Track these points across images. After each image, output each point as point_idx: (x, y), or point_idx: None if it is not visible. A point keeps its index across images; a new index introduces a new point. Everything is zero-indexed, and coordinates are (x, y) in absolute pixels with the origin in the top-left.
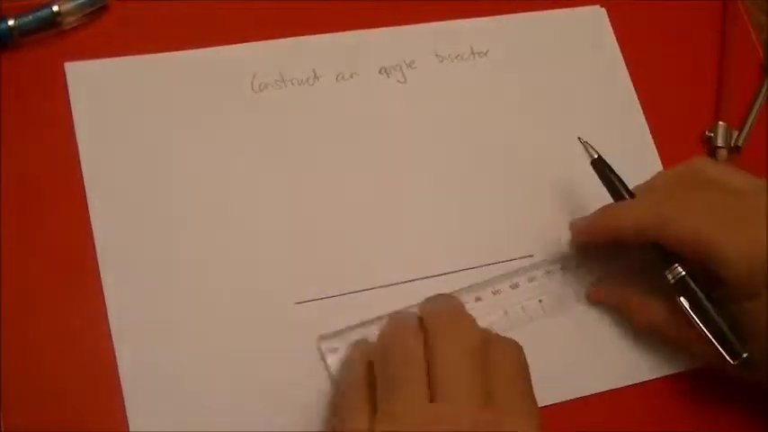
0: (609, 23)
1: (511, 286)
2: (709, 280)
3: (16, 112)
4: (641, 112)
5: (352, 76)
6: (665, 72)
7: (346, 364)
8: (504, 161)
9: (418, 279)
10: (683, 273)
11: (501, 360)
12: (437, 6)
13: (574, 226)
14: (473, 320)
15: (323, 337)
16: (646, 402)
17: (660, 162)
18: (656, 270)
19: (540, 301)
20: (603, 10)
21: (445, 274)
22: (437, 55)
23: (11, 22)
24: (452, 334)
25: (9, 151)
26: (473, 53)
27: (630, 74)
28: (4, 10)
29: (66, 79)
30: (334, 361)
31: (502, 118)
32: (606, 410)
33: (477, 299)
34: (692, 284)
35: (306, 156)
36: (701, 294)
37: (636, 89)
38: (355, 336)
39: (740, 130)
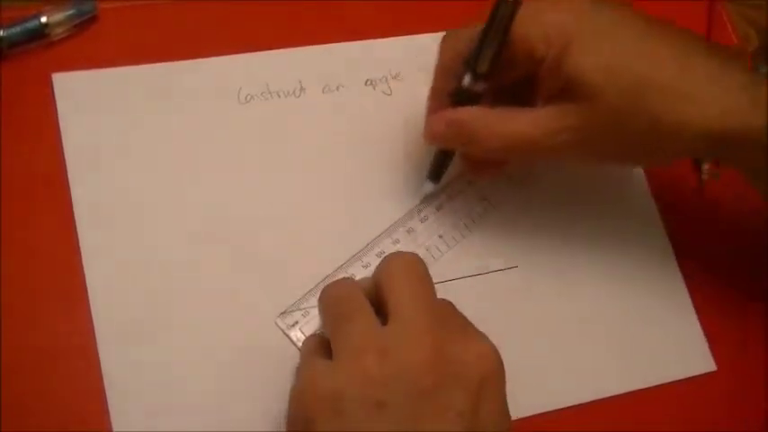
0: None
1: (407, 231)
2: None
3: (3, 123)
4: None
5: (338, 88)
6: None
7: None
8: None
9: None
10: None
11: (445, 302)
12: (422, 19)
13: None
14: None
15: (281, 315)
16: (628, 415)
17: (645, 179)
18: None
19: (440, 236)
20: None
21: None
22: (423, 67)
23: None
24: (404, 271)
25: None
26: None
27: None
28: None
29: (53, 90)
30: (297, 334)
31: None
32: (591, 420)
33: (381, 253)
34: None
35: (292, 167)
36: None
37: None
38: (312, 301)
39: None
